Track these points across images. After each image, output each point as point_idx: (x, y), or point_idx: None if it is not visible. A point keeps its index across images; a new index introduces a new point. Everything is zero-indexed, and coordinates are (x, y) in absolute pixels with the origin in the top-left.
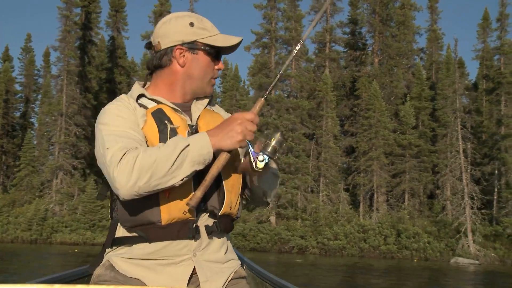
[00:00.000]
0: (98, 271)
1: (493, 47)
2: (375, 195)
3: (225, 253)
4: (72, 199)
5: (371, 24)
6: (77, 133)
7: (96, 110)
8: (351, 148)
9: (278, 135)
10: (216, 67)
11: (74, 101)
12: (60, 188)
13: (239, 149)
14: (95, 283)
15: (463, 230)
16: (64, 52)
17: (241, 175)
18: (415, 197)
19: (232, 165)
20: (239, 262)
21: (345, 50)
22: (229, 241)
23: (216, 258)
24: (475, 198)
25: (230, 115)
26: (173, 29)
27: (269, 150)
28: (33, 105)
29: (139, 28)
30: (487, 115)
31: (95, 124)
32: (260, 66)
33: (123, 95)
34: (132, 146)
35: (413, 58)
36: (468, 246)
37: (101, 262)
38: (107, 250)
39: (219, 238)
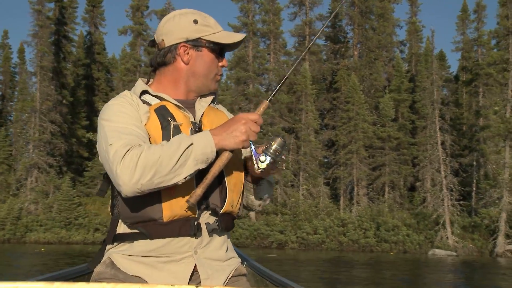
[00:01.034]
0: (98, 268)
1: (471, 38)
2: (355, 189)
3: (226, 251)
4: (48, 198)
5: (350, 17)
6: (52, 130)
7: (73, 107)
8: (331, 141)
9: (280, 139)
10: (220, 64)
11: (49, 98)
12: (35, 187)
13: (242, 150)
14: (96, 281)
15: (441, 222)
16: (37, 47)
17: (243, 174)
18: (395, 190)
19: (235, 164)
20: (239, 260)
21: (326, 43)
22: (229, 239)
23: (217, 256)
24: (453, 189)
25: (233, 115)
26: (177, 27)
27: (271, 151)
28: (12, 103)
29: (118, 23)
30: (466, 107)
31: (98, 120)
32: (237, 59)
33: (126, 91)
34: (135, 143)
35: (393, 51)
36: (447, 238)
37: (102, 259)
38: (108, 246)
39: (220, 236)
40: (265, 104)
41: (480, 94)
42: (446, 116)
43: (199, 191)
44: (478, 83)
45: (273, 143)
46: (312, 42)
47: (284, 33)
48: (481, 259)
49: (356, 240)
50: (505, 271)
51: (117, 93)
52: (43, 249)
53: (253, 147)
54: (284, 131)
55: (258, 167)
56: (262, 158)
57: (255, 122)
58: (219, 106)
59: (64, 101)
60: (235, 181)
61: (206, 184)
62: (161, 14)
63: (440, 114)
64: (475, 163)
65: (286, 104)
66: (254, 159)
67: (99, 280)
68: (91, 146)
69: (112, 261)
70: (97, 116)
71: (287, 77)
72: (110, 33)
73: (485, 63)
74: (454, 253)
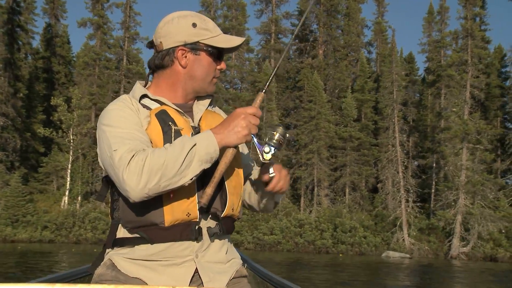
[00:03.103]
0: (99, 270)
1: (433, 39)
2: (315, 189)
3: (226, 253)
4: None
5: (316, 15)
6: (3, 123)
7: (29, 100)
8: (293, 140)
9: (281, 128)
10: (218, 67)
11: (0, 90)
12: None
13: (241, 156)
14: (96, 283)
15: (398, 223)
16: None
17: (242, 177)
18: (356, 191)
19: (234, 167)
20: (241, 261)
21: (295, 40)
22: (229, 241)
23: (218, 258)
24: (411, 191)
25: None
26: (175, 30)
27: (274, 141)
28: None
29: (82, 16)
30: (430, 109)
31: (97, 125)
32: None
33: (125, 95)
34: (139, 147)
35: (360, 51)
36: (403, 240)
37: (102, 261)
38: (108, 250)
39: (220, 239)
40: (260, 96)
41: (442, 96)
42: (408, 117)
43: (209, 190)
44: (440, 85)
45: (275, 133)
46: (296, 30)
47: (249, 30)
48: (435, 261)
49: (312, 241)
50: (455, 274)
51: (77, 87)
52: None
53: (255, 139)
54: None
55: (264, 158)
56: (267, 149)
57: (254, 115)
58: (216, 109)
59: (18, 94)
60: (234, 184)
61: (215, 182)
62: (123, 7)
63: (402, 115)
64: (434, 165)
65: (247, 102)
66: (258, 151)
67: (100, 282)
68: (48, 141)
69: (113, 263)
70: (55, 111)
71: (278, 67)
72: (74, 26)
73: (447, 65)
74: (408, 255)
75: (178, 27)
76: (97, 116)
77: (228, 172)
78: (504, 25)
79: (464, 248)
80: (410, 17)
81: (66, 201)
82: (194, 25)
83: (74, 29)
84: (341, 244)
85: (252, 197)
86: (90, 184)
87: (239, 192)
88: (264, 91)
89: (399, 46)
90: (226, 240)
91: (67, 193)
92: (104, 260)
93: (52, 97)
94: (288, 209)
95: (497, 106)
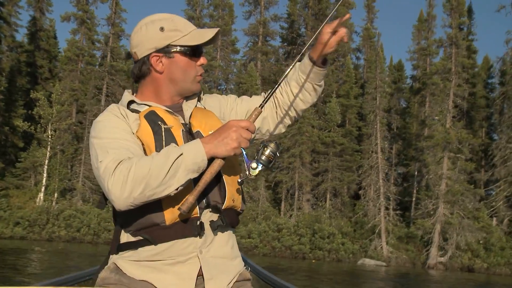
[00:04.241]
0: (103, 274)
1: (420, 47)
2: (296, 194)
3: (231, 248)
4: None
5: (304, 19)
6: None
7: (9, 94)
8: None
9: (273, 144)
10: (197, 63)
11: None
12: None
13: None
14: (100, 286)
15: (376, 231)
16: None
17: (239, 169)
18: (337, 196)
19: (230, 159)
20: (243, 263)
21: (283, 44)
22: (234, 236)
23: (223, 253)
24: (391, 199)
25: (225, 96)
26: (144, 37)
27: (263, 158)
28: None
29: (68, 10)
30: (415, 117)
31: (89, 138)
32: None
33: (113, 105)
34: (125, 156)
35: (348, 56)
36: (381, 247)
37: (106, 266)
38: (112, 256)
39: (224, 232)
40: (257, 111)
41: (427, 104)
42: (393, 125)
43: (191, 198)
44: (425, 93)
45: (265, 149)
46: (308, 44)
47: (236, 31)
48: (412, 270)
49: (289, 246)
50: (431, 284)
51: (59, 81)
52: None
53: (244, 153)
54: None
55: (250, 174)
56: (254, 165)
57: (247, 129)
58: (207, 101)
59: None
60: (232, 176)
61: (198, 191)
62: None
63: (386, 122)
64: (416, 173)
65: None
66: (246, 166)
67: (103, 285)
68: (29, 136)
69: (117, 266)
70: (35, 105)
71: (279, 85)
72: (60, 21)
73: (432, 73)
74: (384, 264)
75: (147, 35)
76: (78, 112)
77: (225, 165)
78: (491, 36)
79: (442, 258)
80: (402, 24)
81: (41, 197)
82: (161, 29)
83: (62, 24)
84: (318, 250)
85: (293, 90)
86: (67, 181)
87: (237, 184)
88: (261, 107)
89: (389, 54)
90: (231, 234)
91: (43, 189)
92: (108, 264)
93: (31, 91)
94: (268, 213)
95: (482, 116)
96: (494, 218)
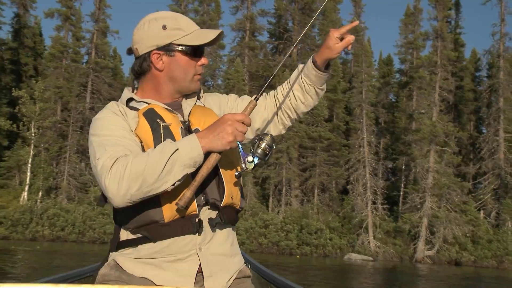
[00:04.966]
0: (102, 270)
1: (407, 41)
2: (284, 189)
3: (230, 245)
4: None
5: (290, 13)
6: None
7: None
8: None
9: (269, 137)
10: (198, 63)
11: None
12: None
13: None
14: (100, 283)
15: (364, 225)
16: None
17: (238, 163)
18: (325, 192)
19: (228, 155)
20: (243, 260)
21: (271, 39)
22: (234, 233)
23: (222, 250)
24: (378, 193)
25: (225, 95)
26: (146, 35)
27: (259, 152)
28: None
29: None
30: (403, 111)
31: (88, 136)
32: None
33: (112, 102)
34: (121, 154)
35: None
36: (368, 242)
37: (106, 262)
38: (112, 253)
39: (223, 229)
40: (252, 104)
41: (414, 97)
42: (381, 119)
43: (188, 193)
44: (413, 86)
45: (261, 142)
46: (300, 38)
47: (223, 26)
48: (400, 265)
49: (276, 242)
50: (417, 278)
51: (41, 80)
52: None
53: (241, 147)
54: None
55: (246, 167)
56: (250, 158)
57: (242, 122)
58: (207, 99)
59: None
60: (230, 173)
61: (195, 186)
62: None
63: (375, 117)
64: (404, 167)
65: None
66: (242, 159)
67: (103, 282)
68: (14, 135)
69: (117, 263)
70: (19, 104)
71: (273, 76)
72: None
73: (418, 66)
74: (371, 259)
75: (149, 32)
76: (63, 110)
77: (223, 162)
78: (479, 30)
79: (429, 251)
80: (391, 19)
81: (25, 196)
82: (164, 27)
83: (47, 20)
84: (305, 245)
85: (295, 91)
86: (52, 180)
87: (236, 181)
88: (256, 99)
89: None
90: (230, 230)
91: (27, 188)
92: (108, 261)
93: (14, 89)
94: (255, 209)
95: (470, 110)
96: (482, 211)
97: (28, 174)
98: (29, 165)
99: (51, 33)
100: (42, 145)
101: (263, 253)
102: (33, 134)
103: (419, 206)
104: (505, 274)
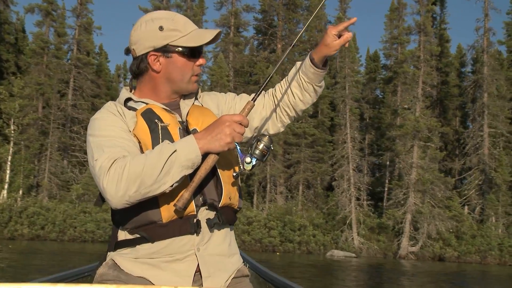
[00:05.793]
0: (101, 270)
1: (391, 36)
2: (268, 186)
3: (228, 245)
4: None
5: (275, 9)
6: None
7: None
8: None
9: (266, 138)
10: (196, 64)
11: None
12: None
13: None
14: (98, 282)
15: (347, 222)
16: None
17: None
18: (310, 188)
19: (226, 156)
20: (241, 260)
21: (257, 35)
22: (232, 233)
23: (220, 250)
24: (362, 189)
25: (224, 94)
26: (143, 36)
27: (257, 153)
28: None
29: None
30: (387, 106)
31: (86, 136)
32: None
33: (110, 102)
34: (119, 155)
35: None
36: (352, 239)
37: (104, 262)
38: (110, 253)
39: (221, 230)
40: (249, 105)
41: (399, 93)
42: (365, 115)
43: (186, 194)
44: (397, 82)
45: (259, 143)
46: (298, 36)
47: (207, 22)
48: (383, 261)
49: (259, 240)
50: (399, 275)
51: (22, 75)
52: None
53: (238, 148)
54: None
55: (244, 168)
56: (248, 159)
57: (240, 123)
58: (205, 99)
59: None
60: (229, 173)
61: (193, 187)
62: None
63: (359, 112)
64: (388, 163)
65: None
66: (240, 160)
67: (101, 281)
68: None
69: (115, 263)
70: None
71: (271, 76)
72: (29, 14)
73: (402, 62)
74: (354, 255)
75: (146, 33)
76: (45, 107)
77: (221, 162)
78: (464, 25)
79: (413, 247)
80: (377, 15)
81: (5, 195)
82: (161, 28)
83: (28, 16)
84: (289, 242)
85: (294, 89)
86: (33, 178)
87: (234, 181)
88: (254, 100)
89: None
90: (228, 230)
91: (6, 186)
92: (106, 260)
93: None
94: None
95: (455, 105)
96: (466, 207)
97: (8, 172)
98: (9, 163)
99: (33, 29)
100: (22, 143)
101: (246, 250)
102: (12, 132)
103: (402, 202)
104: (488, 269)
